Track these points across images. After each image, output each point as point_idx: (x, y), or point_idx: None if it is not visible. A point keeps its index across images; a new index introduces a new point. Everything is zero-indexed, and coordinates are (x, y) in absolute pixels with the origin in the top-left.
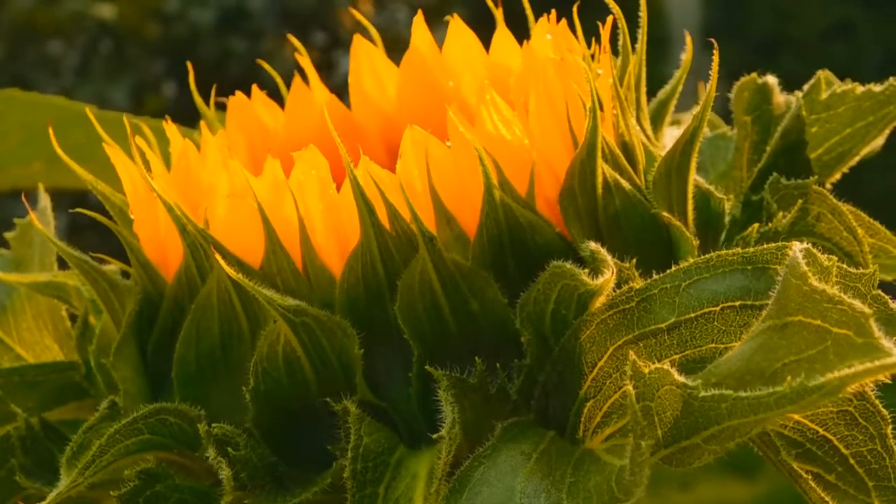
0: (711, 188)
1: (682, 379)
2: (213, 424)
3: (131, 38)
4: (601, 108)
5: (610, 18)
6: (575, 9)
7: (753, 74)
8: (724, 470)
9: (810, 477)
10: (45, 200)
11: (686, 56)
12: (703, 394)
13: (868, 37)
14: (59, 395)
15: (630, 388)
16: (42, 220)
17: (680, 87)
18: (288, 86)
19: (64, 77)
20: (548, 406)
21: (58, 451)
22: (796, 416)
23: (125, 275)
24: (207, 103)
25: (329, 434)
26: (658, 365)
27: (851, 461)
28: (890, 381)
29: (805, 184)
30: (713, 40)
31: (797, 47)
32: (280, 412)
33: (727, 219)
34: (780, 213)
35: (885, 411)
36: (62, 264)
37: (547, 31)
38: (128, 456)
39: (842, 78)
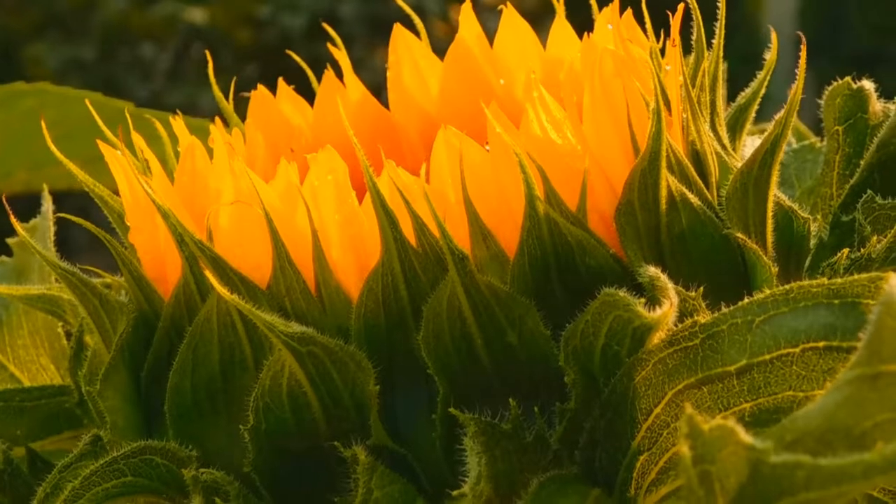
0: (795, 206)
1: (749, 439)
2: (202, 470)
3: (223, 42)
4: (668, 110)
5: (681, 7)
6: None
7: (847, 79)
8: None
9: None
10: (47, 204)
11: (771, 55)
12: (774, 459)
13: None
14: (51, 423)
15: (685, 448)
16: (42, 224)
17: (762, 91)
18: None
19: (155, 80)
20: (594, 458)
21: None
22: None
23: None
24: None
25: (338, 483)
26: (720, 420)
27: None
28: None
29: None
30: (801, 33)
31: (893, 63)
32: (283, 455)
33: (813, 242)
34: (875, 238)
35: None
36: None
37: (609, 21)
38: (107, 501)
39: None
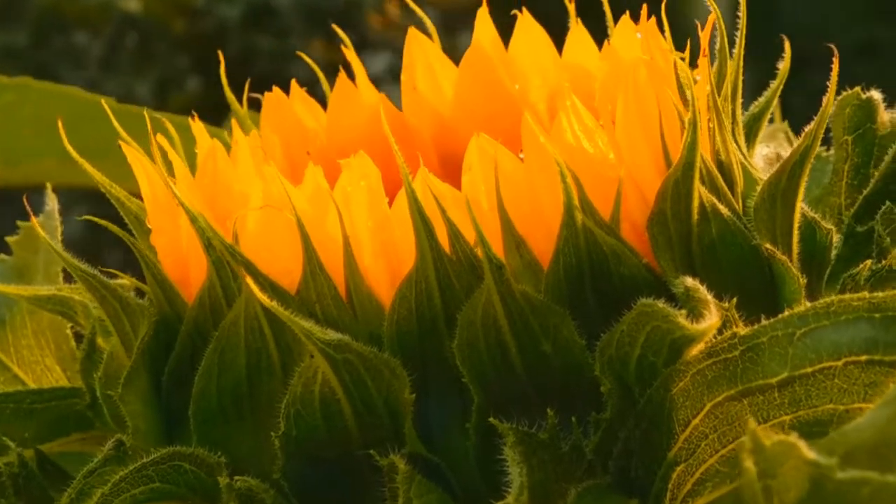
0: (818, 217)
1: (812, 455)
2: (236, 477)
3: (157, 31)
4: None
5: (711, 18)
6: (664, 5)
7: (857, 89)
8: None
9: None
10: (52, 202)
11: (784, 64)
12: (840, 476)
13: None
14: (59, 426)
15: (749, 463)
16: (48, 223)
17: (775, 100)
18: (321, 84)
19: (89, 69)
20: (629, 468)
21: (55, 493)
22: None
23: (140, 293)
24: (239, 102)
25: (369, 491)
26: (783, 435)
27: None
28: None
29: None
30: (832, 46)
31: (824, 64)
32: (313, 463)
33: (833, 253)
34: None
35: None
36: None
37: (632, 29)
38: None
39: None
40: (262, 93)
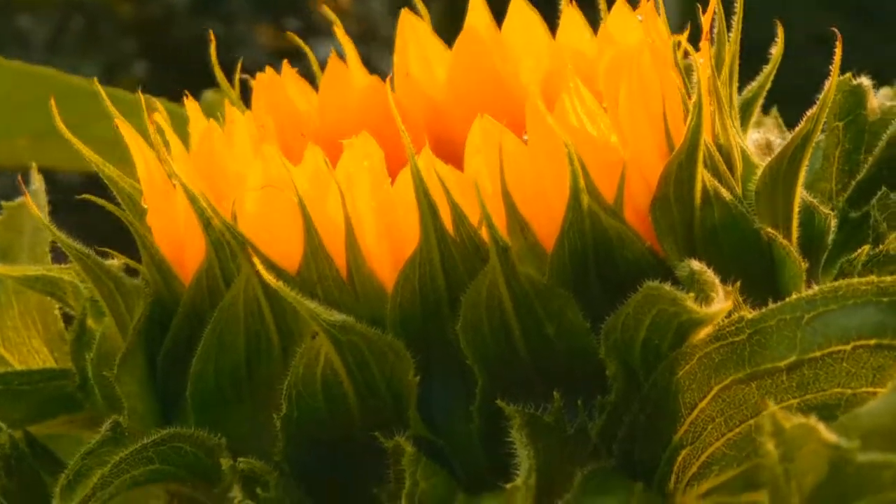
0: (816, 202)
1: (833, 438)
2: (240, 459)
3: (103, 15)
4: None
5: (713, 2)
6: None
7: (848, 75)
8: None
9: None
10: (38, 181)
11: (777, 48)
12: (861, 458)
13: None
14: (48, 407)
15: (770, 446)
16: (34, 203)
17: (768, 85)
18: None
19: (35, 53)
20: (633, 451)
21: (46, 474)
22: None
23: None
24: (187, 87)
25: (371, 473)
26: (802, 418)
27: None
28: None
29: None
30: (836, 28)
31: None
32: (314, 444)
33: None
34: (893, 234)
35: None
36: (56, 255)
37: (627, 12)
38: (134, 487)
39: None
40: (211, 78)
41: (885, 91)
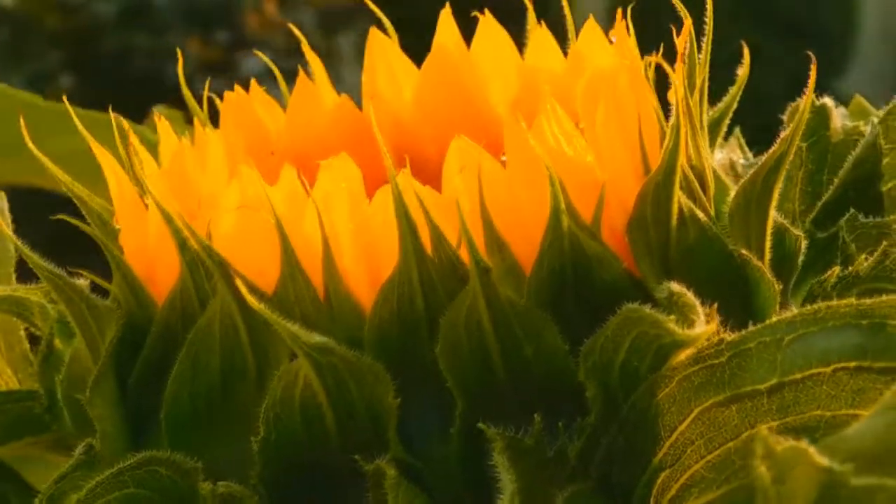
0: (787, 223)
1: (825, 461)
2: (219, 483)
3: (30, 26)
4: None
5: (687, 23)
6: (628, 10)
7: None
8: None
9: None
10: (2, 201)
11: (743, 70)
12: (855, 482)
13: (772, 63)
14: (13, 429)
15: (763, 468)
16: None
17: (734, 106)
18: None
19: None
20: (611, 473)
21: (13, 496)
22: None
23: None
24: (111, 102)
25: (348, 496)
26: (793, 441)
27: None
28: None
29: (886, 222)
30: (810, 53)
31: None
32: (292, 468)
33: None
34: (863, 256)
35: None
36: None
37: (597, 32)
38: None
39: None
40: (140, 91)
41: (841, 110)
